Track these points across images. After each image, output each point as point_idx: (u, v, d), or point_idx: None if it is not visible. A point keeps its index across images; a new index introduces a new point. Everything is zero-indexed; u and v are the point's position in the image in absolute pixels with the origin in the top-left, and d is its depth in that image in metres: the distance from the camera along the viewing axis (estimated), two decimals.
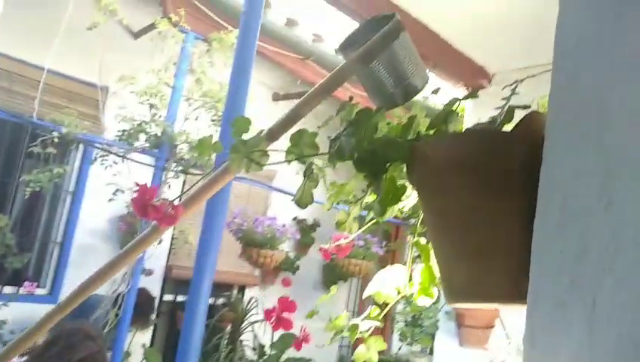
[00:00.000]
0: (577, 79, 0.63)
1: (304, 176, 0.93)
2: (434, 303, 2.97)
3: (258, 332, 5.12)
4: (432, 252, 1.03)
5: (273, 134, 1.05)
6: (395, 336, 6.86)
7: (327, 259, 1.28)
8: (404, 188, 0.96)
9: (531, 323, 0.60)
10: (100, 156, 3.58)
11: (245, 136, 0.90)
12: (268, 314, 0.98)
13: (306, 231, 5.75)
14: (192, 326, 1.83)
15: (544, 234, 0.63)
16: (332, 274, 6.19)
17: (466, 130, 0.88)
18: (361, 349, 1.09)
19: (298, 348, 1.32)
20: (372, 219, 1.20)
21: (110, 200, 3.54)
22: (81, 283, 1.28)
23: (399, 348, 6.45)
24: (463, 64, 2.07)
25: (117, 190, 3.53)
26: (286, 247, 5.40)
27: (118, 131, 3.54)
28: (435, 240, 0.86)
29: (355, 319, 1.13)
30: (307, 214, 5.95)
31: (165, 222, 0.89)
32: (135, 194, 0.88)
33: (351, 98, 0.99)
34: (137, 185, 0.88)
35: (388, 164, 0.92)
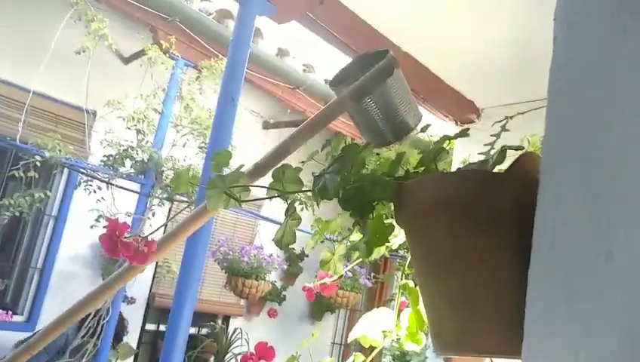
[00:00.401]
0: (572, 118, 0.59)
1: (285, 215, 0.88)
2: None
3: None
4: (420, 297, 0.99)
5: (260, 170, 1.01)
6: None
7: (311, 299, 1.23)
8: (391, 228, 0.92)
9: None
10: (84, 181, 3.51)
11: (227, 170, 0.85)
12: (245, 359, 0.92)
13: (294, 261, 5.66)
14: (171, 357, 1.74)
15: (538, 279, 0.59)
16: (319, 305, 6.08)
17: (458, 169, 0.85)
18: None
19: None
20: (358, 257, 1.15)
21: (92, 226, 3.46)
22: (56, 317, 1.20)
23: None
24: (453, 98, 2.06)
25: (100, 216, 3.45)
26: (273, 277, 5.30)
27: (104, 156, 3.49)
28: (422, 284, 0.81)
29: None
30: (295, 244, 5.87)
31: (137, 261, 0.84)
32: (105, 231, 0.83)
33: (337, 133, 0.95)
34: (108, 220, 0.82)
35: (375, 203, 0.88)
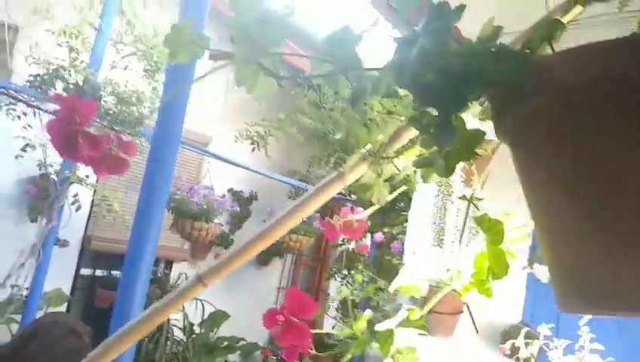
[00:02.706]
0: None
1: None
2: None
3: (188, 311, 4.71)
4: (509, 233, 0.73)
5: None
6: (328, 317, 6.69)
7: (332, 238, 0.95)
8: (481, 135, 0.65)
9: None
10: (6, 105, 2.98)
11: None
12: (272, 316, 0.64)
13: (243, 204, 5.36)
14: (128, 310, 1.44)
15: None
16: (268, 249, 5.86)
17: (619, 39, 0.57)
18: None
19: None
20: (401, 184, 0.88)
21: (17, 156, 2.97)
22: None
23: (333, 326, 6.27)
24: None
25: (27, 145, 2.97)
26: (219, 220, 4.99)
27: (30, 76, 2.96)
28: (553, 215, 0.55)
29: (388, 323, 0.82)
30: (243, 186, 5.56)
31: (107, 169, 0.52)
32: (54, 116, 0.50)
33: None
34: (58, 97, 0.49)
35: (472, 95, 0.59)
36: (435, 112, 0.66)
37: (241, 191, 5.55)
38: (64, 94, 2.99)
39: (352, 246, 5.43)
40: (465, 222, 0.80)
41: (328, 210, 6.65)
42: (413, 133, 0.72)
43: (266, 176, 4.53)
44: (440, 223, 2.31)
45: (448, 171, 0.64)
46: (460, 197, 0.93)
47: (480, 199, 0.79)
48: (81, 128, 0.48)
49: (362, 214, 1.00)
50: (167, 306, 0.81)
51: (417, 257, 0.77)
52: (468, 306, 2.47)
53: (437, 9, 0.56)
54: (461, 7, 0.57)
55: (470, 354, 2.32)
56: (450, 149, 0.63)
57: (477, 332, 2.47)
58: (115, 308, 1.46)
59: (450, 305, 2.33)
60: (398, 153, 0.72)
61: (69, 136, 0.48)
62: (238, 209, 4.91)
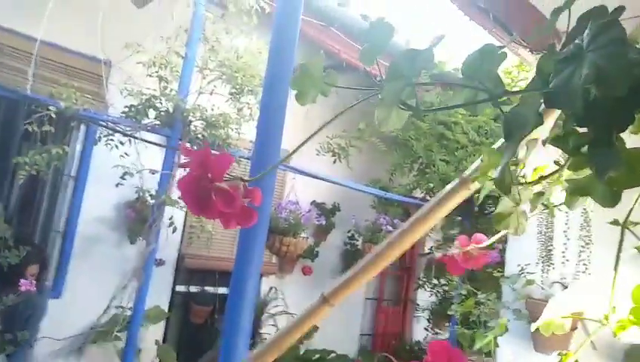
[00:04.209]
0: None
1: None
2: (497, 297, 2.47)
3: (280, 325, 4.76)
4: None
5: None
6: (415, 322, 6.51)
7: (458, 273, 0.88)
8: None
9: None
10: (105, 136, 3.16)
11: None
12: None
13: (326, 215, 5.35)
14: (237, 326, 1.44)
15: None
16: (352, 259, 5.81)
17: None
18: None
19: None
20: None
21: (118, 184, 3.14)
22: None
23: (425, 337, 6.11)
24: None
25: (125, 173, 3.13)
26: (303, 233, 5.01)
27: (125, 107, 3.13)
28: None
29: None
30: (325, 197, 5.55)
31: (242, 221, 0.49)
32: (183, 171, 0.47)
33: None
34: (188, 152, 0.47)
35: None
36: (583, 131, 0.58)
37: (324, 204, 5.55)
38: (157, 122, 3.12)
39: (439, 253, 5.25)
40: (619, 250, 0.70)
41: (405, 214, 6.52)
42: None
43: (348, 188, 4.50)
44: (547, 232, 2.15)
45: (614, 200, 0.56)
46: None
47: (636, 223, 0.69)
48: (214, 184, 0.45)
49: (484, 243, 0.92)
50: (295, 328, 0.78)
51: (567, 292, 0.68)
52: (583, 321, 2.28)
53: (599, 15, 0.48)
54: (620, 10, 0.50)
55: None
56: (621, 174, 0.55)
57: (594, 348, 2.27)
58: (226, 325, 1.46)
59: None
60: (542, 178, 0.64)
61: (201, 193, 0.46)
62: (324, 223, 4.90)
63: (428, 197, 5.42)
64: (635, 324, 0.67)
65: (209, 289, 4.91)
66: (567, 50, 0.46)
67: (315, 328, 5.34)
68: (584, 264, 2.08)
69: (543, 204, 0.72)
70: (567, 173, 0.66)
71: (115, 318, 3.72)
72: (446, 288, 5.47)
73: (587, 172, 0.65)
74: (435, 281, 5.56)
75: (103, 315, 3.89)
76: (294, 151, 0.63)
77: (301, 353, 5.20)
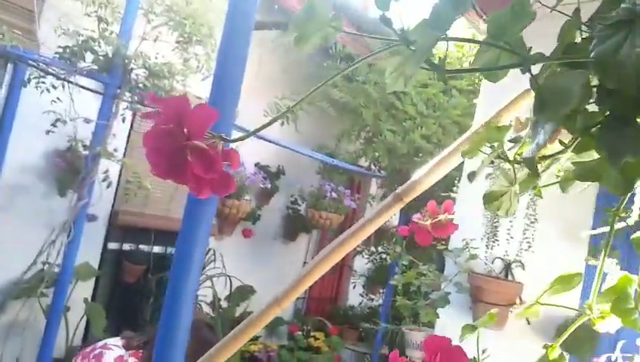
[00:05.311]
0: None
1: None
2: (440, 271, 2.50)
3: (217, 287, 4.68)
4: None
5: None
6: (350, 288, 6.61)
7: (426, 244, 0.83)
8: None
9: None
10: (35, 77, 2.88)
11: None
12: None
13: (270, 179, 5.26)
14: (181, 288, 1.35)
15: None
16: (294, 224, 5.79)
17: None
18: None
19: None
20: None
21: (48, 132, 2.89)
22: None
23: (360, 303, 6.23)
24: None
25: (57, 120, 2.88)
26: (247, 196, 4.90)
27: (59, 47, 2.85)
28: None
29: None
30: (270, 160, 5.44)
31: (220, 188, 0.40)
32: (149, 119, 0.37)
33: None
34: (156, 100, 0.37)
35: None
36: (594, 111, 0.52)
37: (268, 166, 5.44)
38: (94, 67, 2.88)
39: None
40: (609, 239, 0.67)
41: (354, 184, 6.53)
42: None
43: (294, 152, 4.41)
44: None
45: (627, 188, 0.51)
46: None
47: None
48: (191, 143, 0.36)
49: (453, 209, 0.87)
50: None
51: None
52: (521, 298, 2.35)
53: None
54: None
55: (522, 347, 2.21)
56: (632, 160, 0.50)
57: (528, 323, 2.35)
58: (170, 284, 1.37)
59: (503, 297, 2.22)
60: (543, 158, 0.58)
61: (173, 152, 0.36)
62: (269, 186, 4.81)
63: (373, 166, 5.43)
64: (617, 315, 0.65)
65: (143, 247, 4.73)
66: (617, 14, 0.40)
67: (253, 290, 5.31)
68: (528, 242, 2.14)
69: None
70: (568, 155, 0.61)
71: (42, 274, 3.50)
72: (383, 256, 5.57)
73: (592, 155, 0.60)
74: (372, 249, 5.65)
75: (28, 271, 3.65)
76: (276, 119, 0.54)
77: (236, 315, 5.17)
